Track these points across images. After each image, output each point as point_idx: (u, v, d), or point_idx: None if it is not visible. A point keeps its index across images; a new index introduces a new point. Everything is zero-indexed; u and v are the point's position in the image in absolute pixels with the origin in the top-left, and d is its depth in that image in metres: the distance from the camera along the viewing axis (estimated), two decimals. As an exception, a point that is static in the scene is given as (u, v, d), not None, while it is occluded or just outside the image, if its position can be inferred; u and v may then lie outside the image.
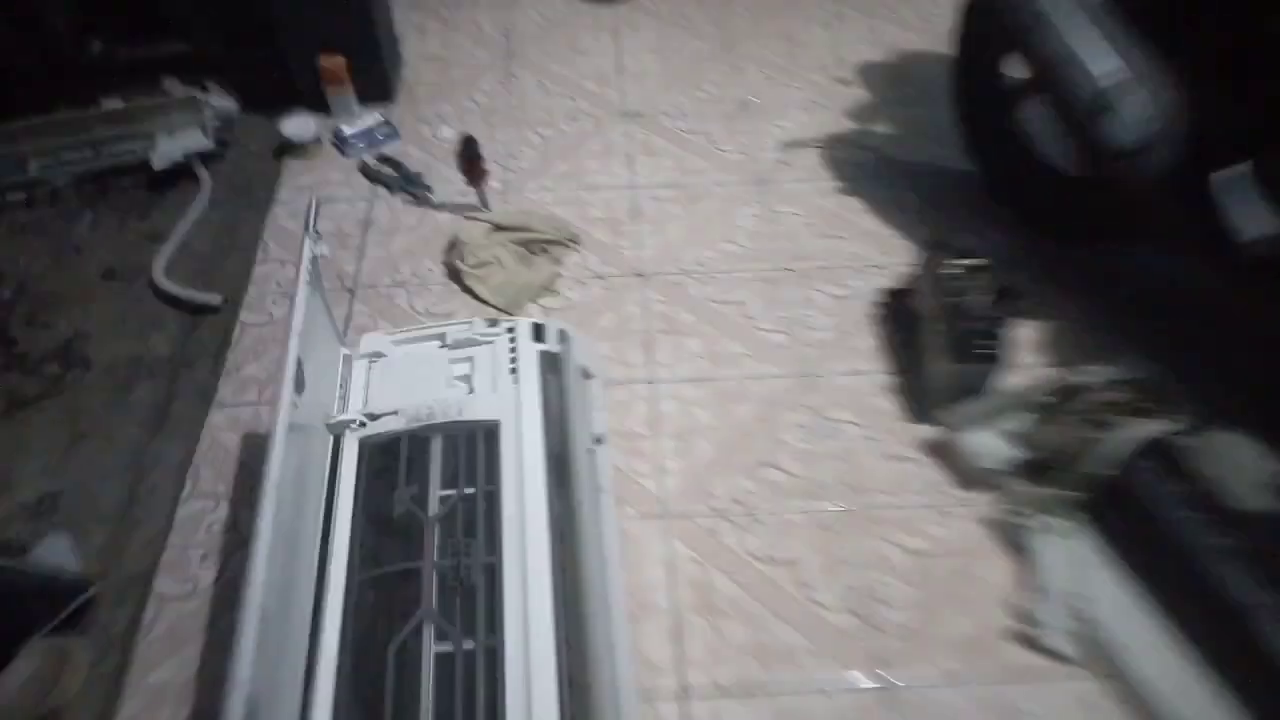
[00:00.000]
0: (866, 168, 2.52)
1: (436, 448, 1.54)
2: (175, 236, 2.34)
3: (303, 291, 1.42)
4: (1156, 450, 1.66)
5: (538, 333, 1.70)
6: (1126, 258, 2.22)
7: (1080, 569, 1.66)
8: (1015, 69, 2.13)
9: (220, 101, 2.51)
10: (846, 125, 2.66)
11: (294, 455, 1.34)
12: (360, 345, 1.70)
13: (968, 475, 1.82)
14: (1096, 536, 1.70)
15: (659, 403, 1.97)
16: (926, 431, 1.91)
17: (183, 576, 1.72)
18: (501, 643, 1.30)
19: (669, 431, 1.93)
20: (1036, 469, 1.77)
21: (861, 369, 2.04)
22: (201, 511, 1.82)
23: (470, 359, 1.68)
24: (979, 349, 1.81)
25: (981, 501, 1.81)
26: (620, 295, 2.20)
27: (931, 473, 1.86)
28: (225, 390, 2.04)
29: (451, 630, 1.32)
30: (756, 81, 2.81)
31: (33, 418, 2.02)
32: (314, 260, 1.49)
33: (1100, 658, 1.58)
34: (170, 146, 2.46)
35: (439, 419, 1.56)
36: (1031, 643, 1.61)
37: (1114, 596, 1.63)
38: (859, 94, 2.76)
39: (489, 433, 1.55)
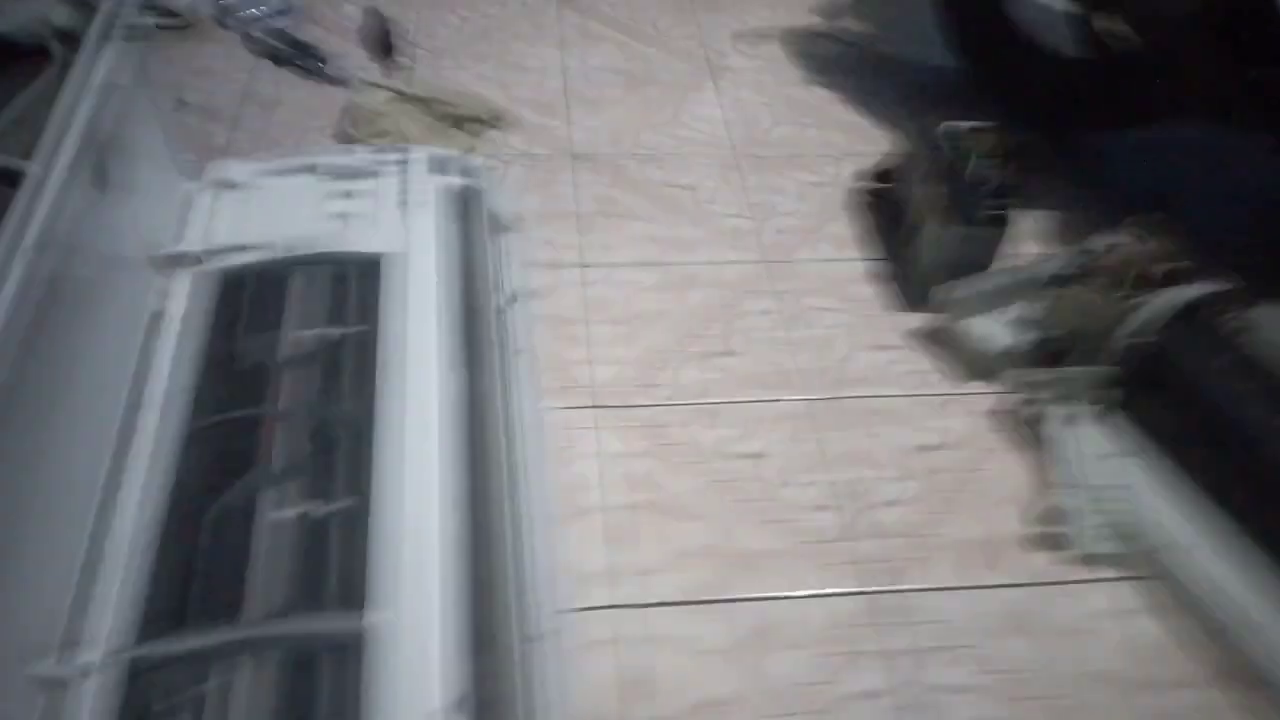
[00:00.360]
0: (838, 60, 2.23)
1: (297, 286, 1.17)
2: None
3: (108, 36, 1.05)
4: (1195, 317, 1.36)
5: (438, 166, 1.34)
6: (1138, 138, 1.95)
7: (1111, 459, 1.35)
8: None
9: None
10: (815, 20, 2.36)
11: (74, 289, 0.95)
12: (206, 172, 1.32)
13: (970, 363, 1.51)
14: (1127, 421, 1.39)
15: (595, 287, 1.63)
16: (917, 320, 1.60)
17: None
18: (365, 505, 0.92)
19: (606, 318, 1.58)
20: (1054, 351, 1.46)
21: (837, 256, 1.73)
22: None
23: (351, 193, 1.31)
24: (989, 209, 1.51)
25: (986, 393, 1.49)
26: (550, 176, 1.85)
27: (925, 363, 1.54)
28: None
29: (299, 491, 0.95)
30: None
31: None
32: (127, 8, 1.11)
33: (1140, 556, 1.26)
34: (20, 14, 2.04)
35: (301, 252, 1.19)
36: (1056, 544, 1.29)
37: (1152, 486, 1.32)
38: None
39: (366, 268, 1.18)
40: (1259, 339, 1.33)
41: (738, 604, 1.22)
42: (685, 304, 1.61)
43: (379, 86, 1.93)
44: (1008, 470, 1.39)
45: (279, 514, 0.94)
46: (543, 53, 2.19)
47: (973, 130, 1.60)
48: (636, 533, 1.28)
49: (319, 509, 0.94)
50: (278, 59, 2.10)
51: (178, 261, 1.19)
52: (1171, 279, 1.41)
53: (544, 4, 2.37)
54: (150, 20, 1.16)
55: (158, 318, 1.13)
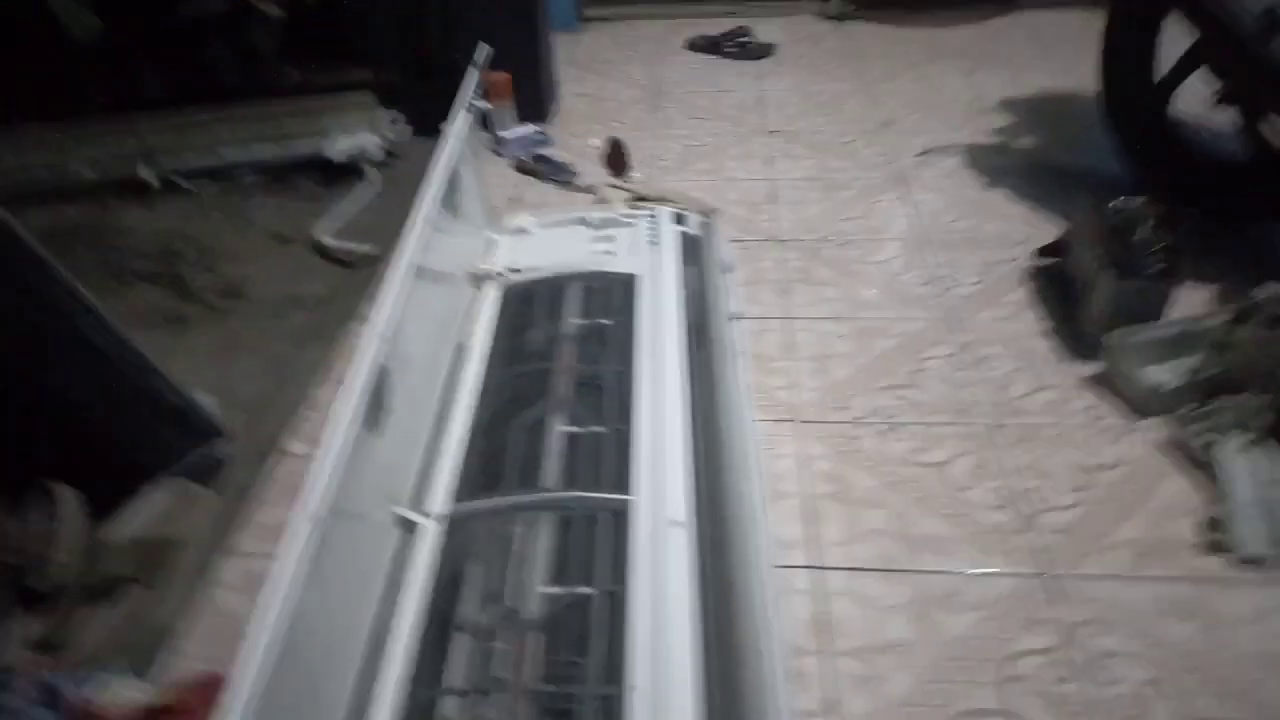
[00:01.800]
0: (1009, 169, 2.49)
1: (575, 292, 1.53)
2: (338, 208, 2.52)
3: (464, 116, 1.49)
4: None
5: (679, 219, 1.71)
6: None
7: (1271, 481, 1.45)
8: (1166, 62, 2.14)
9: (393, 120, 2.75)
10: (988, 139, 2.66)
11: (427, 287, 1.35)
12: (505, 223, 1.74)
13: (1139, 402, 1.66)
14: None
15: (794, 334, 1.92)
16: (1090, 369, 1.77)
17: (309, 438, 1.72)
18: (630, 427, 1.23)
19: (804, 356, 1.86)
20: (1221, 386, 1.59)
21: (1011, 316, 1.94)
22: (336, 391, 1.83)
23: (611, 237, 1.69)
24: (1153, 265, 1.70)
25: (1153, 429, 1.63)
26: (756, 254, 2.19)
27: (1095, 402, 1.70)
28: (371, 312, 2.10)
29: (580, 415, 1.26)
30: (896, 110, 2.88)
31: (190, 333, 2.13)
32: (478, 99, 1.56)
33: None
34: (345, 143, 2.69)
35: (578, 269, 1.56)
36: (1219, 547, 1.39)
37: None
38: (999, 118, 2.78)
39: (624, 283, 1.54)
40: None
41: (920, 574, 1.40)
42: (873, 350, 1.86)
43: (618, 187, 2.38)
44: (1177, 489, 1.52)
45: (566, 429, 1.25)
46: (751, 167, 2.60)
47: (1141, 204, 1.81)
48: (828, 515, 1.50)
49: (591, 429, 1.25)
50: (539, 175, 2.62)
51: (488, 277, 1.59)
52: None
53: (753, 133, 2.80)
54: (484, 104, 1.62)
55: (474, 312, 1.52)
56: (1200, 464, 1.53)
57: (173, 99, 2.77)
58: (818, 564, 1.42)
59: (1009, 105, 2.87)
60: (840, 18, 3.69)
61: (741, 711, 0.92)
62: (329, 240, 2.35)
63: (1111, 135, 2.33)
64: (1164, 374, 1.68)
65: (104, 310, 1.55)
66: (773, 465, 1.59)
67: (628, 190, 2.38)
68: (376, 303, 1.06)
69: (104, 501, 1.55)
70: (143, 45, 2.80)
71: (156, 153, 2.65)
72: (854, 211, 2.35)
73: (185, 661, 1.35)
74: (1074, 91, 2.84)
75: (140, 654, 1.40)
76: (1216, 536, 1.42)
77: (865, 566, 1.41)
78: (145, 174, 2.61)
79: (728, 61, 3.35)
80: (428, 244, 1.25)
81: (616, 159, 2.61)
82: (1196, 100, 2.13)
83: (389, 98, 2.81)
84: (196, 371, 1.98)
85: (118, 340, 1.57)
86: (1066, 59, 3.12)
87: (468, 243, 1.62)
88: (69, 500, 1.49)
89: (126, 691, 1.26)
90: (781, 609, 1.28)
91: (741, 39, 3.42)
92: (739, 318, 1.64)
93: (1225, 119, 2.10)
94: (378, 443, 1.06)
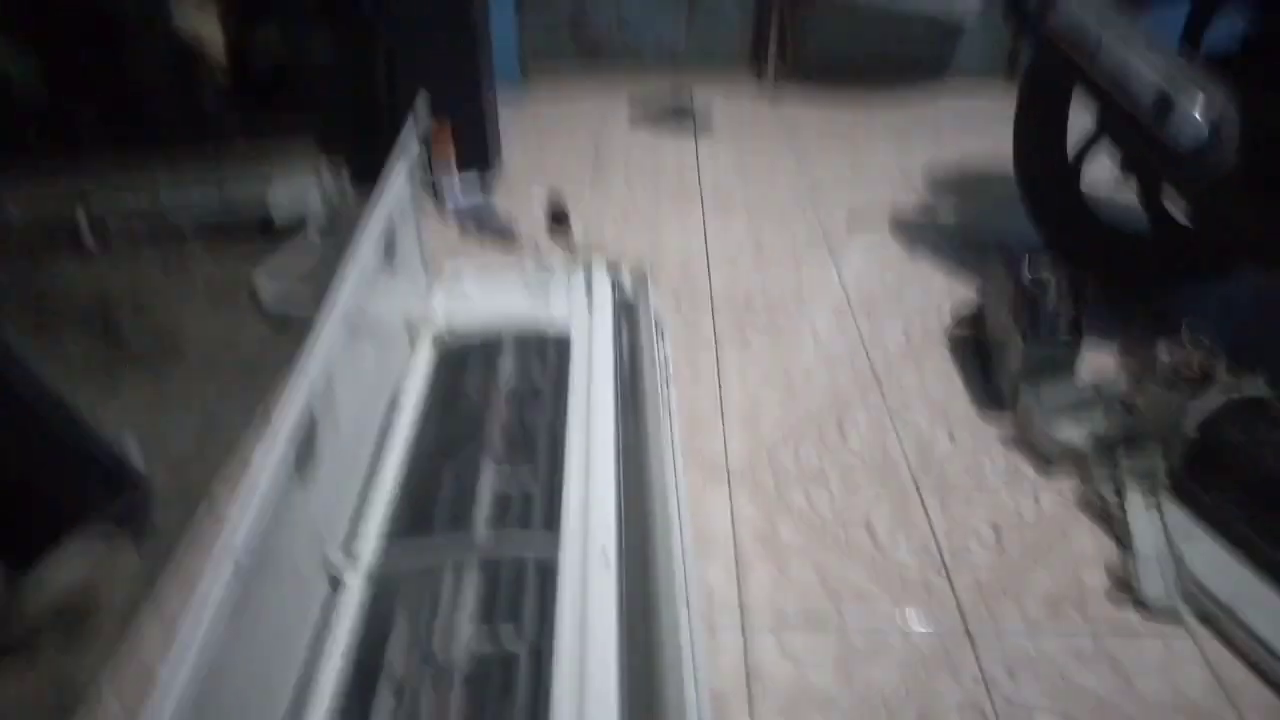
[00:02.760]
0: (933, 236, 2.62)
1: (508, 349, 1.56)
2: (277, 261, 2.52)
3: (401, 164, 1.53)
4: (1245, 407, 1.58)
5: (613, 275, 1.76)
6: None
7: (1175, 534, 1.53)
8: (1075, 135, 2.30)
9: (336, 169, 2.78)
10: (912, 211, 2.80)
11: (362, 336, 1.37)
12: (443, 273, 1.77)
13: (1050, 456, 1.74)
14: (1189, 504, 1.58)
15: (724, 393, 1.97)
16: (1004, 426, 1.85)
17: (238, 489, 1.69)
18: (561, 481, 1.25)
19: (734, 414, 1.90)
20: (1121, 445, 1.68)
21: (932, 378, 2.02)
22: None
23: (547, 289, 1.73)
24: (1065, 330, 1.80)
25: (1065, 482, 1.71)
26: (691, 313, 2.26)
27: (1012, 458, 1.78)
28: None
29: (513, 464, 1.28)
30: (825, 180, 3.02)
31: (121, 386, 2.10)
32: (417, 148, 1.60)
33: (1205, 612, 1.42)
34: (287, 197, 2.70)
35: (514, 327, 1.60)
36: (1128, 597, 1.46)
37: (1213, 555, 1.49)
38: (923, 189, 2.92)
39: (560, 343, 1.57)
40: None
41: (844, 626, 1.43)
42: (801, 409, 1.92)
43: (556, 245, 2.43)
44: (1088, 541, 1.59)
45: (497, 478, 1.27)
46: (688, 231, 2.68)
47: (1051, 273, 1.92)
48: (756, 568, 1.53)
49: (525, 479, 1.27)
50: (480, 230, 2.66)
51: (425, 328, 1.61)
52: (1221, 380, 1.64)
53: (689, 198, 2.90)
54: (422, 152, 1.66)
55: (409, 362, 1.53)
56: (1109, 517, 1.61)
57: (112, 143, 2.75)
58: (745, 616, 1.44)
59: (932, 175, 3.02)
60: (776, 85, 3.85)
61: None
62: (267, 297, 2.35)
63: (1025, 205, 2.46)
64: (1073, 431, 1.76)
65: (26, 357, 1.52)
66: (703, 521, 1.62)
67: (567, 246, 2.43)
68: (305, 349, 1.07)
69: (23, 552, 1.51)
70: (80, 86, 2.79)
71: (92, 197, 2.62)
72: (784, 275, 2.43)
73: (108, 717, 1.31)
74: (995, 162, 3.00)
75: (59, 711, 1.35)
76: (1124, 590, 1.48)
77: (791, 619, 1.44)
78: (79, 220, 2.58)
79: (668, 134, 3.46)
80: (362, 293, 1.26)
81: (557, 214, 2.67)
82: (1104, 174, 2.27)
83: (332, 148, 2.84)
84: (126, 422, 1.94)
85: (39, 387, 1.54)
86: (991, 132, 3.28)
87: (404, 293, 1.65)
88: (-19, 551, 1.45)
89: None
90: (706, 661, 1.31)
91: (681, 110, 3.55)
92: (669, 376, 1.69)
93: (1129, 192, 2.25)
94: (306, 492, 1.06)
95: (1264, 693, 1.32)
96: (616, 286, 1.74)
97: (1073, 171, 2.34)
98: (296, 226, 2.68)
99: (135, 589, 1.54)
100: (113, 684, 1.36)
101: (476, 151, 2.93)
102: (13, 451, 1.53)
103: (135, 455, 1.70)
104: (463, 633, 1.06)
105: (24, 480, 1.55)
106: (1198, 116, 1.83)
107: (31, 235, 2.58)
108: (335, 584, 1.14)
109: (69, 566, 1.53)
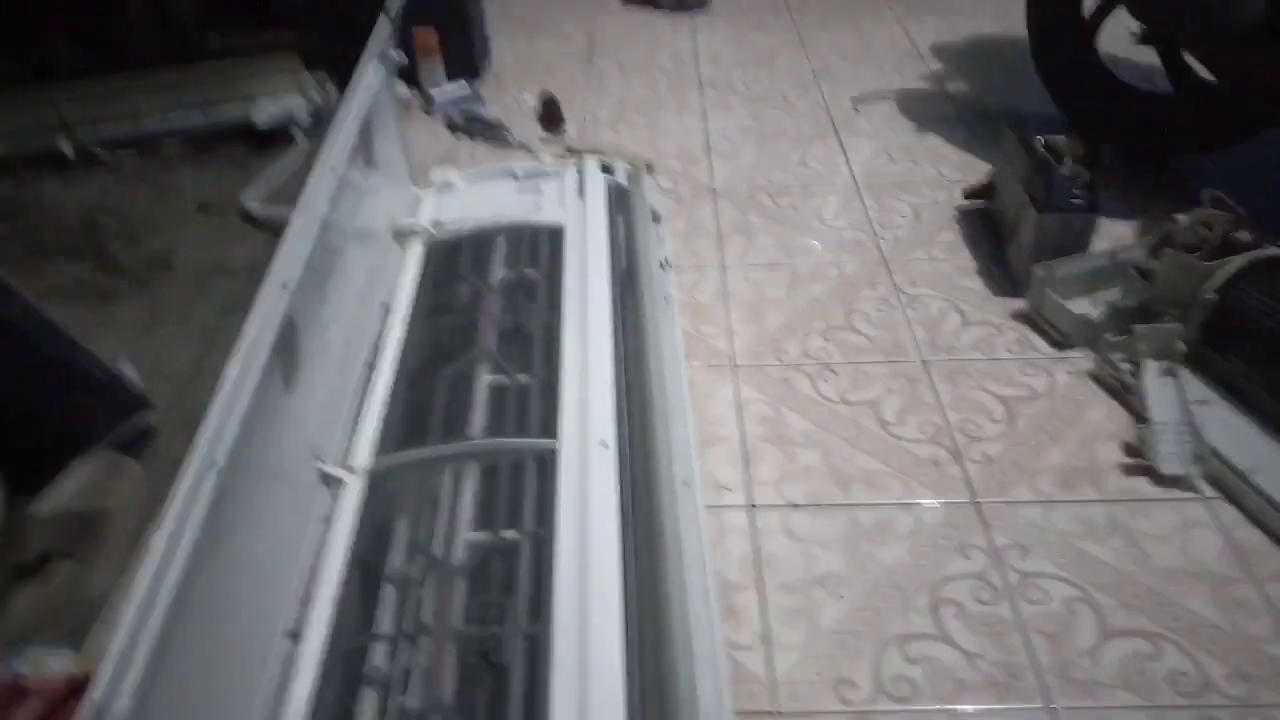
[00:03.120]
0: (942, 113, 2.51)
1: (500, 245, 1.52)
2: (266, 176, 2.46)
3: (374, 65, 1.46)
4: (1266, 266, 1.52)
5: (606, 168, 1.69)
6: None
7: (1192, 402, 1.49)
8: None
9: (320, 83, 2.68)
10: (921, 85, 2.68)
11: (347, 244, 1.33)
12: (429, 176, 1.72)
13: (1070, 332, 1.69)
14: (1206, 372, 1.54)
15: (729, 282, 1.92)
16: (1019, 303, 1.80)
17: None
18: (557, 374, 1.22)
19: (739, 303, 1.86)
20: (1137, 317, 1.63)
21: (942, 257, 1.96)
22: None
23: (539, 189, 1.68)
24: (1081, 198, 1.72)
25: (1080, 359, 1.66)
26: (692, 205, 2.19)
27: (1024, 335, 1.73)
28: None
29: (507, 365, 1.25)
30: (830, 60, 2.89)
31: (115, 307, 2.08)
32: (391, 48, 1.53)
33: (1220, 479, 1.40)
34: (272, 108, 2.62)
35: (504, 223, 1.55)
36: (1143, 469, 1.43)
37: (1230, 422, 1.46)
38: (933, 64, 2.79)
39: (553, 235, 1.52)
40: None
41: (851, 508, 1.42)
42: (807, 295, 1.87)
43: (551, 145, 2.35)
44: (1102, 415, 1.55)
45: (492, 379, 1.25)
46: (686, 121, 2.58)
47: (1065, 139, 1.83)
48: (763, 456, 1.51)
49: (521, 378, 1.24)
50: (470, 134, 2.58)
51: (412, 233, 1.56)
52: (1244, 244, 1.57)
53: (686, 85, 2.78)
54: (398, 55, 1.58)
55: (399, 267, 1.49)
56: (1123, 390, 1.57)
57: (90, 68, 2.67)
58: (752, 503, 1.43)
59: (941, 51, 2.88)
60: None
61: (670, 644, 0.93)
62: (256, 207, 2.30)
63: (1040, 75, 2.35)
64: (1088, 305, 1.71)
65: (17, 285, 1.50)
66: (708, 410, 1.60)
67: (562, 146, 2.35)
68: (278, 253, 1.03)
69: (31, 477, 1.51)
70: (57, 13, 2.69)
71: (74, 124, 2.56)
72: (788, 161, 2.35)
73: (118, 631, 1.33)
74: (1005, 35, 2.87)
75: (73, 628, 1.37)
76: (1138, 460, 1.45)
77: (800, 503, 1.43)
78: (62, 145, 2.52)
79: (662, 14, 3.31)
80: (339, 197, 1.22)
81: (550, 115, 2.58)
82: (1121, 35, 2.15)
83: (315, 61, 2.74)
84: (123, 344, 1.93)
85: (35, 315, 1.53)
86: (998, 4, 3.13)
87: (390, 199, 1.60)
88: (-9, 477, 1.45)
89: (56, 664, 1.24)
90: (713, 546, 1.30)
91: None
92: (668, 265, 1.64)
93: (1148, 53, 2.13)
94: (291, 398, 1.04)
95: (1278, 556, 1.31)
96: (611, 179, 1.68)
97: (1088, 33, 2.22)
98: (283, 139, 2.61)
99: (143, 506, 1.55)
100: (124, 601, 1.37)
101: (465, 55, 2.82)
102: (14, 378, 1.52)
103: (134, 378, 1.69)
104: (462, 529, 1.05)
105: (28, 406, 1.54)
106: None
107: (14, 166, 2.53)
108: (334, 489, 1.14)
109: (76, 487, 1.53)
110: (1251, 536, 1.34)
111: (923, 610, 1.26)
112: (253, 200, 2.32)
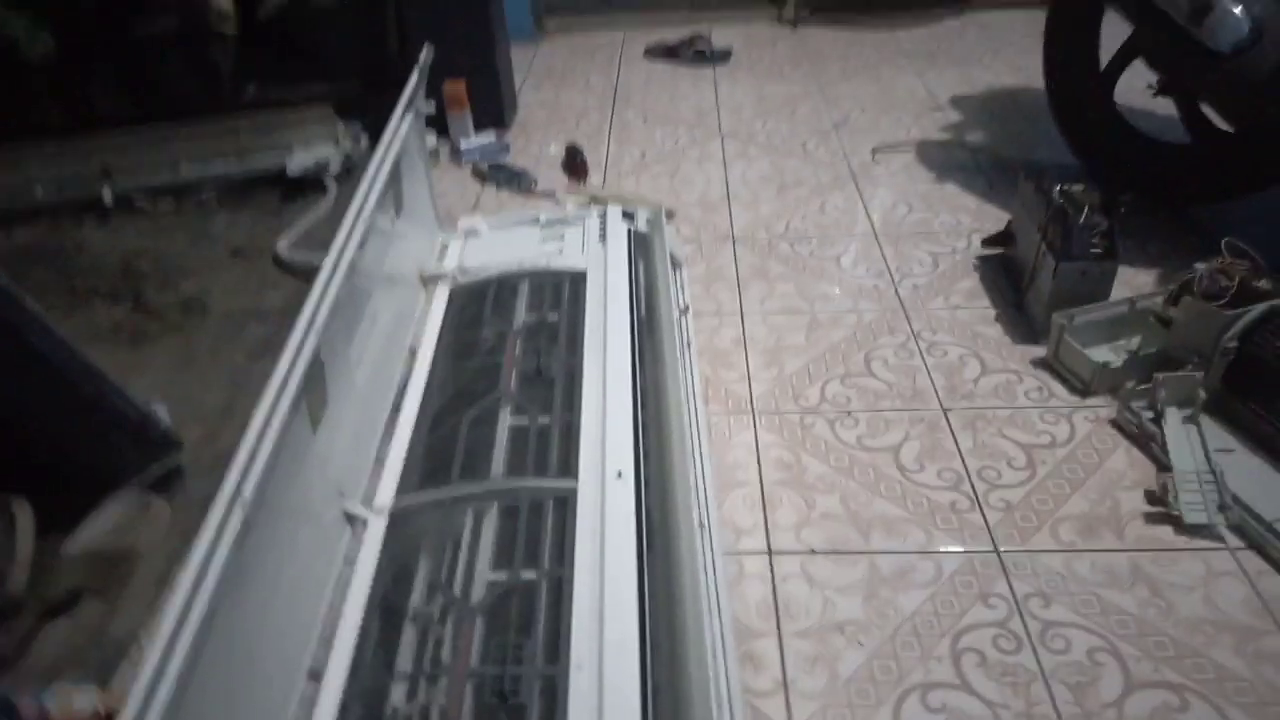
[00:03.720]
0: (959, 164, 2.54)
1: (523, 290, 1.55)
2: (299, 224, 2.52)
3: (405, 116, 1.51)
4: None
5: (627, 215, 1.73)
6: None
7: (1214, 450, 1.49)
8: (1107, 52, 2.20)
9: (352, 133, 2.77)
10: (940, 136, 2.71)
11: (376, 289, 1.37)
12: (457, 225, 1.76)
13: (1085, 381, 1.69)
14: (1228, 420, 1.54)
15: (749, 328, 1.94)
16: (1036, 352, 1.80)
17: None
18: (578, 417, 1.24)
19: (758, 349, 1.88)
20: (1158, 365, 1.63)
21: (961, 304, 1.97)
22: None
23: (562, 235, 1.71)
24: (1100, 247, 1.74)
25: (1100, 406, 1.66)
26: (712, 251, 2.22)
27: (1044, 382, 1.73)
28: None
29: (528, 407, 1.28)
30: (849, 111, 2.93)
31: (149, 349, 2.13)
32: (421, 100, 1.58)
33: (1244, 528, 1.39)
34: (305, 157, 2.70)
35: (528, 268, 1.58)
36: (1166, 518, 1.42)
37: (1253, 469, 1.45)
38: (951, 115, 2.83)
39: (575, 279, 1.56)
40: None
41: (871, 555, 1.42)
42: (826, 341, 1.89)
43: (575, 194, 2.40)
44: (1123, 463, 1.55)
45: (513, 420, 1.27)
46: (707, 170, 2.63)
47: (1083, 188, 1.85)
48: (782, 501, 1.52)
49: (541, 420, 1.26)
50: (497, 183, 2.64)
51: (438, 278, 1.60)
52: (1264, 293, 1.57)
53: (708, 136, 2.84)
54: (429, 105, 1.64)
55: (425, 311, 1.53)
56: (1145, 438, 1.56)
57: (129, 118, 2.77)
58: (771, 549, 1.43)
59: (960, 103, 2.92)
60: (795, 23, 3.75)
61: (687, 687, 0.93)
62: (288, 253, 2.36)
63: (1058, 125, 2.38)
64: (1108, 353, 1.72)
65: (53, 323, 1.55)
66: (727, 455, 1.61)
67: (585, 194, 2.40)
68: (308, 297, 1.07)
69: (61, 515, 1.55)
70: (98, 64, 2.80)
71: (114, 172, 2.65)
72: (808, 209, 2.38)
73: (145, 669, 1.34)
74: (1023, 87, 2.91)
75: (100, 665, 1.39)
76: (1160, 508, 1.44)
77: (819, 549, 1.43)
78: (103, 193, 2.60)
79: (685, 68, 3.39)
80: (369, 242, 1.26)
81: (575, 165, 2.63)
82: (1137, 90, 2.18)
83: (348, 111, 2.82)
84: (155, 386, 1.98)
85: (70, 353, 1.57)
86: (1016, 56, 3.19)
87: (417, 244, 1.64)
88: (24, 514, 1.49)
89: (81, 700, 1.25)
90: (732, 592, 1.30)
91: (698, 46, 3.46)
92: (687, 310, 1.66)
93: (1165, 106, 2.16)
94: (316, 437, 1.06)
95: (1307, 605, 1.29)
96: (632, 225, 1.72)
97: (1106, 84, 2.25)
98: (316, 186, 2.69)
99: (171, 547, 1.57)
100: (151, 639, 1.39)
101: (493, 106, 2.91)
102: (47, 417, 1.56)
103: (165, 419, 1.73)
104: (482, 568, 1.06)
105: (61, 444, 1.58)
106: (1237, 14, 1.74)
107: (56, 213, 2.61)
108: (356, 529, 1.15)
109: (106, 525, 1.56)
110: (1277, 586, 1.32)
111: (944, 659, 1.25)
112: (285, 246, 2.38)
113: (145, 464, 1.64)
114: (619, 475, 1.11)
